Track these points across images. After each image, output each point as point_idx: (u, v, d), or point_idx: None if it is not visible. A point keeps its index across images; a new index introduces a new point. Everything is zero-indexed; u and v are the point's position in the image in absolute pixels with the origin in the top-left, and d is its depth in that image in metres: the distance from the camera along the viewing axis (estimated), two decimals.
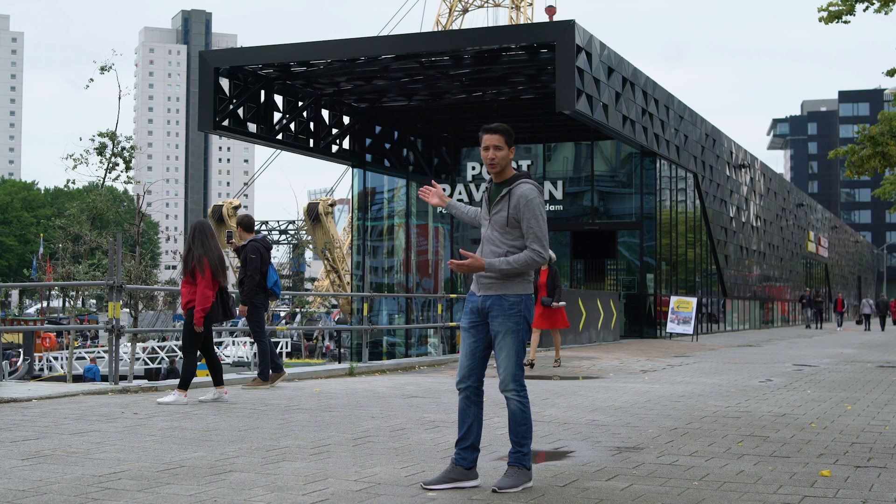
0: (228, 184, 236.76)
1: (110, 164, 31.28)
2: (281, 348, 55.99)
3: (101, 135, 31.39)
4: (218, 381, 12.41)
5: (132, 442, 8.79)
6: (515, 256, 6.87)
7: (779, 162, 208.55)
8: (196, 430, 9.59)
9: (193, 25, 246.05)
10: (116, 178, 32.17)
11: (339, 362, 43.38)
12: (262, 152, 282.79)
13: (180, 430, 9.57)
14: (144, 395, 13.09)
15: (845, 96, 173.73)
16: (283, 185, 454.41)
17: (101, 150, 31.28)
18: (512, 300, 6.93)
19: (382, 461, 7.91)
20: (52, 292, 60.55)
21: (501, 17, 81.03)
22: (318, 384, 14.81)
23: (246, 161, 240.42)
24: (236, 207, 76.38)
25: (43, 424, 9.92)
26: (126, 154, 31.67)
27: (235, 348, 56.39)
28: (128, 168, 31.90)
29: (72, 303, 33.69)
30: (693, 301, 34.71)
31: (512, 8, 79.03)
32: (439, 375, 17.47)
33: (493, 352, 7.03)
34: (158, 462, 7.74)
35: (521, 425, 6.92)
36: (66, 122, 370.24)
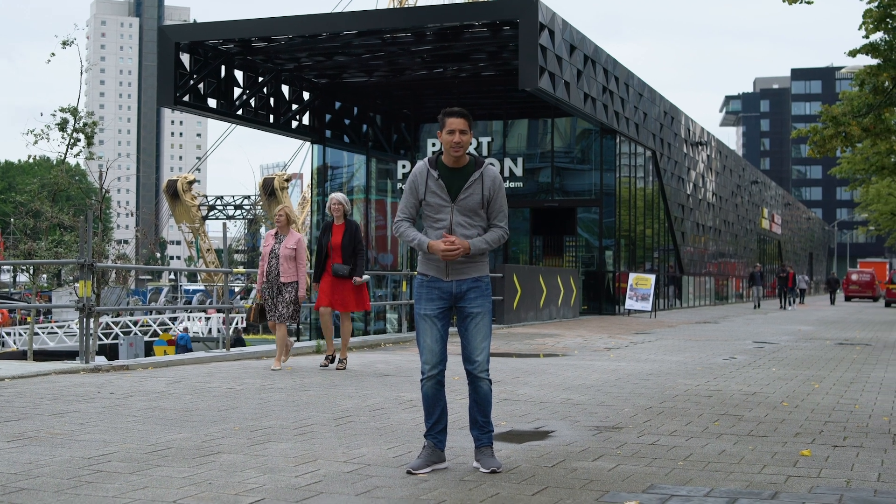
0: (181, 157, 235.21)
1: (72, 140, 31.08)
2: (237, 324, 55.77)
3: (62, 110, 31.20)
4: None
5: (114, 423, 8.78)
6: (490, 235, 6.95)
7: (731, 138, 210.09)
8: (176, 411, 9.59)
9: None
10: (78, 154, 32.00)
11: (298, 339, 43.39)
12: (214, 127, 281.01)
13: (160, 411, 9.58)
14: (116, 374, 13.07)
15: (798, 74, 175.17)
16: (235, 160, 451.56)
17: (62, 126, 31.05)
18: (486, 281, 7.07)
19: (368, 442, 7.97)
20: (4, 267, 60.05)
21: None
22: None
23: (199, 135, 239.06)
24: (191, 182, 76.03)
25: (21, 405, 9.88)
26: (88, 130, 31.48)
27: (191, 324, 56.23)
28: (90, 143, 31.73)
29: (33, 279, 33.49)
30: (651, 278, 34.98)
31: None
32: (406, 353, 17.54)
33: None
34: (145, 443, 7.75)
35: (489, 405, 7.05)
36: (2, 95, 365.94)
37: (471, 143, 7.08)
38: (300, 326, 51.48)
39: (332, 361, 14.27)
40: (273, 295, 13.98)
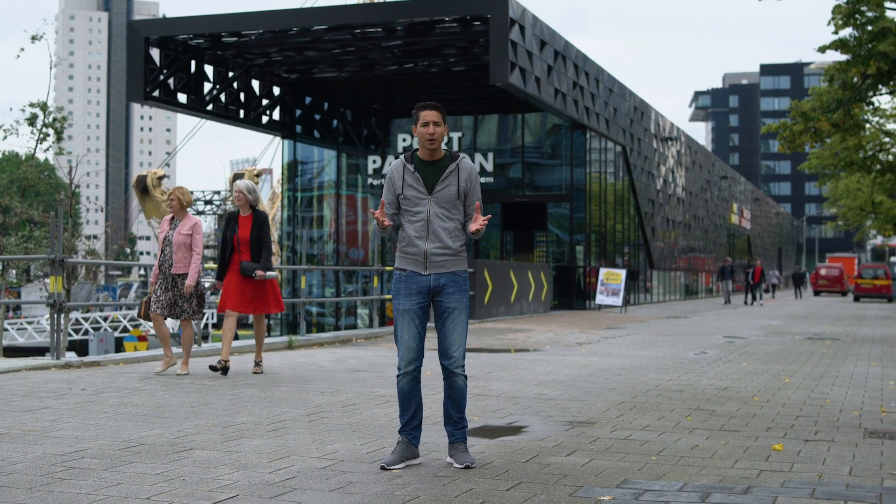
0: (150, 153, 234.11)
1: (42, 135, 30.93)
2: (207, 319, 55.38)
3: (31, 105, 31.06)
4: None
5: (86, 419, 8.75)
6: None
7: (700, 134, 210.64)
8: (148, 407, 9.56)
9: None
10: (48, 150, 31.89)
11: (269, 334, 43.22)
12: (183, 122, 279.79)
13: (132, 407, 9.54)
14: (87, 370, 13.01)
15: (766, 69, 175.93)
16: (205, 155, 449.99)
17: (32, 121, 30.88)
18: (464, 276, 7.06)
19: (341, 437, 7.97)
20: None
21: None
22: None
23: (168, 130, 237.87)
24: (161, 177, 75.52)
25: None
26: (58, 125, 31.35)
27: None
28: (59, 139, 31.60)
29: (2, 275, 33.26)
30: (622, 273, 35.08)
31: None
32: (378, 349, 17.55)
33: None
34: (118, 440, 7.73)
35: (464, 400, 7.07)
36: None
37: (445, 136, 7.10)
38: (271, 321, 51.41)
39: (225, 372, 12.46)
40: (167, 287, 12.54)
